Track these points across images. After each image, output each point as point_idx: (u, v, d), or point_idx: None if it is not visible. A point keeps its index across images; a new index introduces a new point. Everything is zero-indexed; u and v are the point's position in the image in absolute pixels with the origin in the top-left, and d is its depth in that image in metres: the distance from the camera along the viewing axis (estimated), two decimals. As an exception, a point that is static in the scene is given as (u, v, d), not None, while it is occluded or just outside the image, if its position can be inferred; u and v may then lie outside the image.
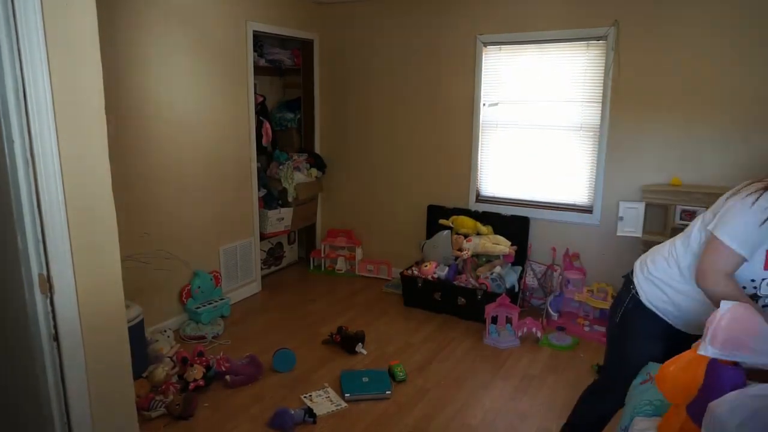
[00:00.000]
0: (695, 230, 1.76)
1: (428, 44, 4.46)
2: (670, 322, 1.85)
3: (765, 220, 1.52)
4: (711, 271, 1.60)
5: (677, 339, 1.84)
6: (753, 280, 1.62)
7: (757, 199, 1.54)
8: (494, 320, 3.75)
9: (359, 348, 3.53)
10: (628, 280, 1.96)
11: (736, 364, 1.29)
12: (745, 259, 1.58)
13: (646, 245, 3.33)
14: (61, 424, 1.92)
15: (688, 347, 1.54)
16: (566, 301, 3.96)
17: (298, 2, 4.65)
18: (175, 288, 3.84)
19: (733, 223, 1.58)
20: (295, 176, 4.74)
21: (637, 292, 1.88)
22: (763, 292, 1.63)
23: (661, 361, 1.77)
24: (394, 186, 4.86)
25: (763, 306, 1.66)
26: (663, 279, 1.82)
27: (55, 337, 1.85)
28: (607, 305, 3.68)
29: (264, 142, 4.60)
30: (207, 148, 3.95)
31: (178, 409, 2.77)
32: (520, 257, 4.23)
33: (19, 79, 1.67)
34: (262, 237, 4.64)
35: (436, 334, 3.86)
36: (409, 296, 4.31)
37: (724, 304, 1.34)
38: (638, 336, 1.90)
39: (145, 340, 3.24)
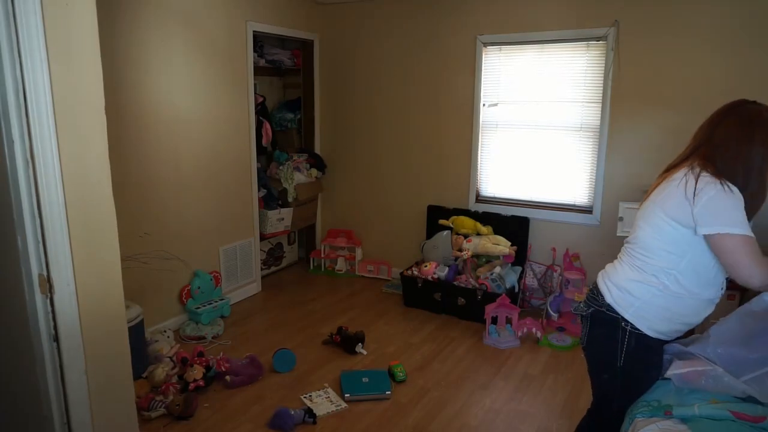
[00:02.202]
0: (664, 249, 1.69)
1: (428, 44, 4.46)
2: (668, 338, 1.78)
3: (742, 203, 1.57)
4: (755, 270, 1.55)
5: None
6: None
7: (730, 188, 1.58)
8: (494, 320, 3.75)
9: (359, 348, 3.52)
10: (612, 319, 1.76)
11: None
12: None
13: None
14: (61, 424, 1.92)
15: None
16: (566, 301, 3.96)
17: (298, 2, 4.65)
18: (175, 288, 3.84)
19: (728, 213, 1.57)
20: (295, 176, 4.74)
21: (635, 327, 1.73)
22: None
23: None
24: (394, 186, 4.86)
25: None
26: (661, 302, 1.70)
27: (55, 337, 1.85)
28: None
29: (264, 142, 4.60)
30: (207, 148, 3.95)
31: (178, 410, 2.77)
32: (520, 257, 4.22)
33: (19, 79, 1.67)
34: (262, 237, 4.64)
35: (436, 334, 3.86)
36: (409, 296, 4.31)
37: None
38: (650, 367, 1.77)
39: (145, 340, 3.24)
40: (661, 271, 1.70)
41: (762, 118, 1.64)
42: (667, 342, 1.81)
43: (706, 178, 1.61)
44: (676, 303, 1.71)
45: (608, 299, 1.79)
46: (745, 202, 1.59)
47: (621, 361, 1.76)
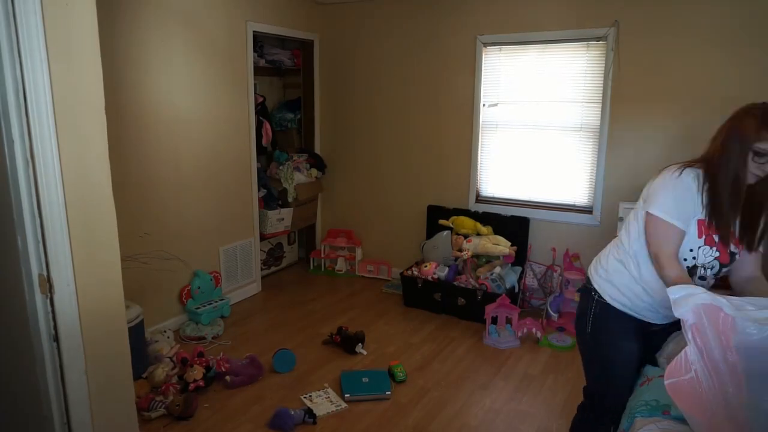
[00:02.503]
0: (632, 220, 1.84)
1: (428, 44, 4.46)
2: (638, 316, 1.86)
3: (690, 192, 1.64)
4: (660, 255, 1.66)
5: (648, 335, 1.89)
6: (691, 250, 1.71)
7: (680, 174, 1.67)
8: (494, 321, 3.75)
9: (359, 348, 3.52)
10: (587, 289, 1.97)
11: None
12: (683, 232, 1.66)
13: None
14: (60, 424, 1.92)
15: (661, 340, 1.88)
16: (566, 301, 3.96)
17: (298, 2, 4.65)
18: (175, 288, 3.84)
19: (662, 197, 1.68)
20: (295, 176, 4.74)
21: (600, 296, 1.89)
22: (700, 261, 1.72)
23: (640, 358, 1.87)
24: (394, 186, 4.86)
25: (700, 277, 1.75)
26: (619, 276, 1.86)
27: (55, 337, 1.85)
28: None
29: (264, 142, 4.60)
30: (207, 148, 3.95)
31: (178, 410, 2.77)
32: (520, 258, 4.22)
33: (19, 79, 1.67)
34: (262, 237, 4.64)
35: (436, 334, 3.86)
36: (409, 296, 4.31)
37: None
38: (615, 336, 1.88)
39: (145, 340, 3.24)
40: (636, 254, 1.81)
41: (736, 113, 1.70)
42: (638, 321, 1.86)
43: (673, 167, 1.72)
44: (634, 287, 1.82)
45: (587, 272, 2.02)
46: (729, 195, 1.62)
47: (589, 327, 1.92)
